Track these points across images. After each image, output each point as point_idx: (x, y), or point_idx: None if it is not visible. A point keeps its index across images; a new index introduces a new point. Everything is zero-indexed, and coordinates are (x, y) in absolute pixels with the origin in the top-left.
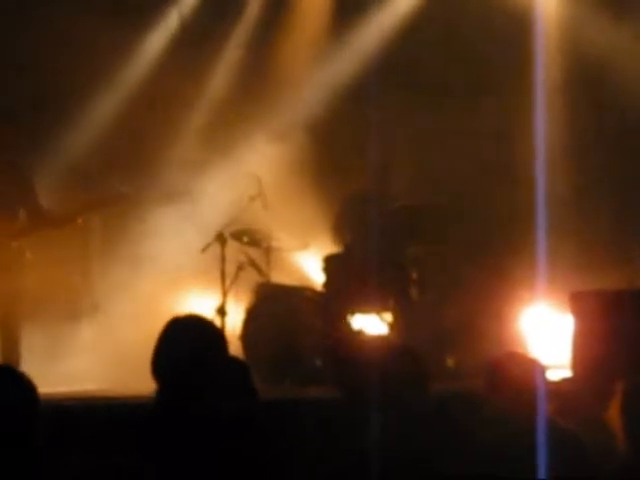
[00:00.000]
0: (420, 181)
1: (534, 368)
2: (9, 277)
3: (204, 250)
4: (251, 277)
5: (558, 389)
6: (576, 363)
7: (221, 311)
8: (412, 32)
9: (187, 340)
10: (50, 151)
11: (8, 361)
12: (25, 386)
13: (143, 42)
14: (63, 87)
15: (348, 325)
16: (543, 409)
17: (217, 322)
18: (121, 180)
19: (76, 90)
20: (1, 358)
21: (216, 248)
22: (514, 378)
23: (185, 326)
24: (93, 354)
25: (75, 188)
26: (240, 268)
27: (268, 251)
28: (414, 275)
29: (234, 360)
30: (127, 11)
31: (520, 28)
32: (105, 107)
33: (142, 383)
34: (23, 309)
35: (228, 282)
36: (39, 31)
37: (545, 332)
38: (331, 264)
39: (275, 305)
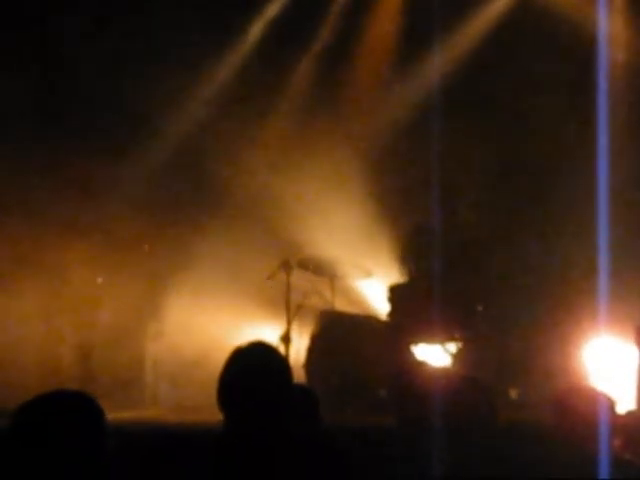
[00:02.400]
0: (485, 213)
1: (602, 402)
2: (86, 304)
3: (270, 278)
4: (316, 305)
5: (623, 422)
6: None
7: (285, 338)
8: (477, 64)
9: (252, 368)
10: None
11: (86, 386)
12: (94, 411)
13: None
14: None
15: (412, 355)
16: (607, 443)
17: (281, 349)
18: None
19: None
20: (79, 384)
21: (282, 276)
22: (582, 411)
23: (250, 354)
24: (157, 379)
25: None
26: (305, 296)
27: (333, 279)
28: (479, 307)
29: (300, 387)
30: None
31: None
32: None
33: (205, 410)
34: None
35: (293, 309)
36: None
37: (609, 364)
38: (396, 294)
39: (338, 333)
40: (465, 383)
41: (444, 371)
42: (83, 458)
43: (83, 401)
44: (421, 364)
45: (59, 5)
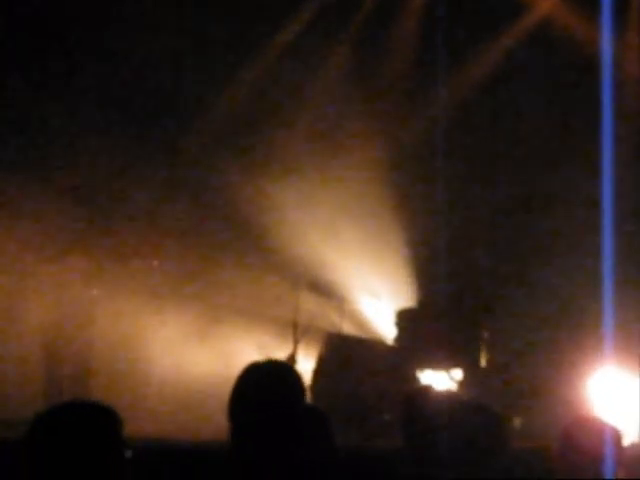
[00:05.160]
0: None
1: (609, 434)
2: (79, 313)
3: (279, 299)
4: (323, 327)
5: (626, 455)
6: None
7: (292, 359)
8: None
9: (265, 385)
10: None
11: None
12: (114, 420)
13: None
14: None
15: (417, 380)
16: (612, 475)
17: None
18: None
19: None
20: (71, 392)
21: (290, 297)
22: (588, 443)
23: (265, 369)
24: (164, 396)
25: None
26: (313, 318)
27: (341, 302)
28: (485, 335)
29: (313, 408)
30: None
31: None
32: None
33: (214, 427)
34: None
35: (300, 331)
36: None
37: (614, 395)
38: (403, 319)
39: (345, 356)
40: (471, 409)
41: (450, 395)
42: (104, 468)
43: (102, 411)
44: (427, 388)
45: None
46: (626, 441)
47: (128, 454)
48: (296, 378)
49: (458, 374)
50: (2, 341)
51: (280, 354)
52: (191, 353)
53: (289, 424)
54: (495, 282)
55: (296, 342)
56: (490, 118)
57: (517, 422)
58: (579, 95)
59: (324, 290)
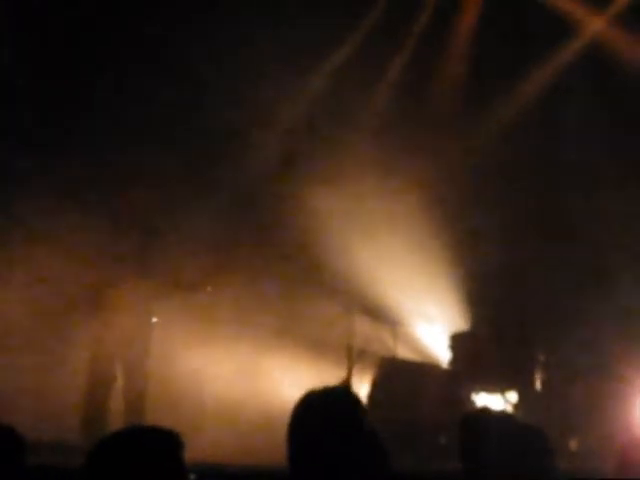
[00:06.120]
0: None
1: None
2: (135, 340)
3: (333, 323)
4: (377, 351)
5: None
6: None
7: (346, 384)
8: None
9: (324, 411)
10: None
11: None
12: (175, 445)
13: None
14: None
15: (472, 403)
16: None
17: None
18: None
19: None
20: (125, 421)
21: (344, 322)
22: None
23: (323, 397)
24: (214, 424)
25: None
26: (367, 342)
27: (395, 325)
28: (541, 357)
29: (370, 433)
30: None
31: None
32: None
33: (264, 451)
34: (148, 371)
35: (354, 356)
36: None
37: None
38: (457, 342)
39: (399, 380)
40: (525, 431)
41: (507, 418)
42: None
43: (164, 435)
44: (484, 409)
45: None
46: None
47: (191, 478)
48: (355, 403)
49: (513, 396)
50: (54, 364)
51: (334, 379)
52: (245, 379)
53: (347, 449)
54: (550, 304)
55: (350, 367)
56: (541, 139)
57: (573, 444)
58: None
59: (378, 314)
